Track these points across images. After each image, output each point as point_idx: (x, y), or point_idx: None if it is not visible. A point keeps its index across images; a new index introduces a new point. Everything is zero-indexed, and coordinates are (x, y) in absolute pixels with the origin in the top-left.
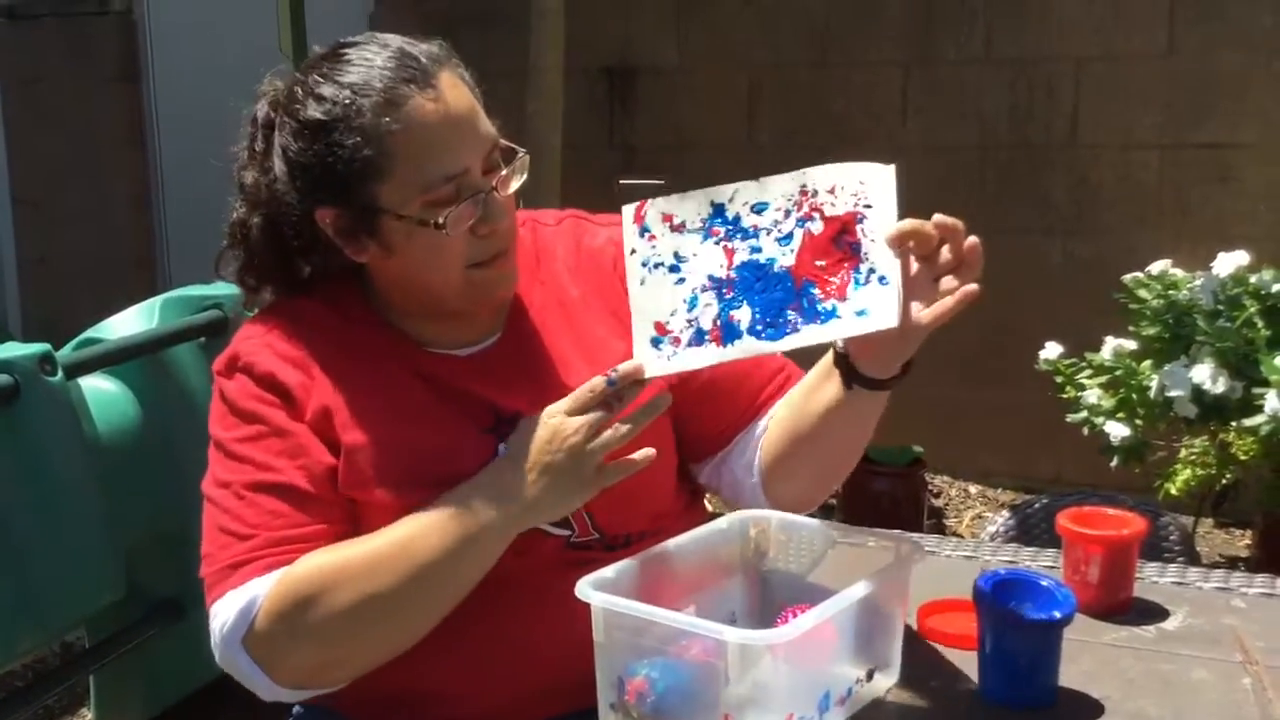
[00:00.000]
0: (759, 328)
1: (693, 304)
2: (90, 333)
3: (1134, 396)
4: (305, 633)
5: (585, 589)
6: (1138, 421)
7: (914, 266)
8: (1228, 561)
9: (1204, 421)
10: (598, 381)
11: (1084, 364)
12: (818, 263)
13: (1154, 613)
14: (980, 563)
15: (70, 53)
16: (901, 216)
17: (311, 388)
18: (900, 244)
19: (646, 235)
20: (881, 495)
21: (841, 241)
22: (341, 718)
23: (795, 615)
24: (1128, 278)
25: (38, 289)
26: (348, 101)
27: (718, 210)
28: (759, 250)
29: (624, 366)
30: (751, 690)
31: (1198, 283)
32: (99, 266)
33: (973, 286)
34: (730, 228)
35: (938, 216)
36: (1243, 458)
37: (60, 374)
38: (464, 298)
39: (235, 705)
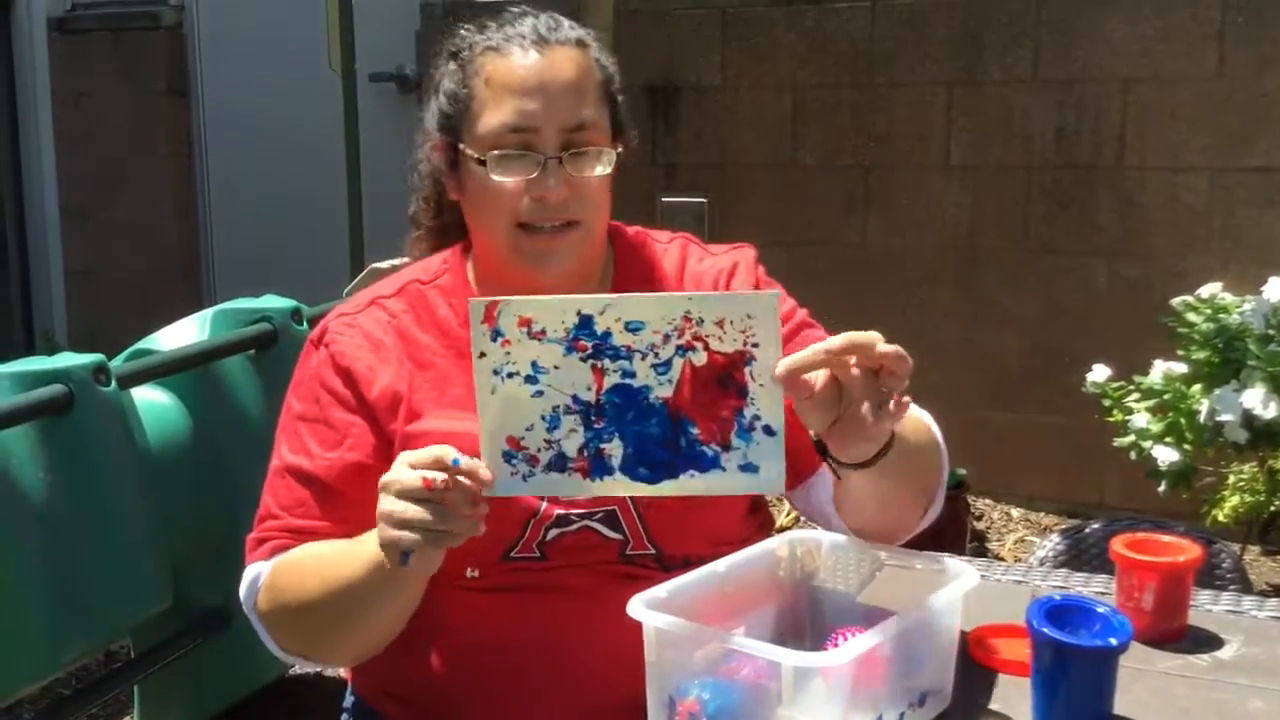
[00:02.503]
0: (633, 466)
1: (554, 424)
2: (142, 344)
3: (1183, 421)
4: (279, 616)
5: (638, 607)
6: (1186, 446)
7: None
8: (1275, 590)
9: (1254, 447)
10: (443, 457)
11: (1132, 387)
12: (702, 399)
13: (1209, 641)
14: (1031, 587)
15: (120, 66)
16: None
17: (384, 371)
18: (788, 385)
19: (500, 340)
20: None
21: (728, 381)
22: None
23: (846, 637)
24: (1176, 301)
25: (84, 300)
26: (477, 39)
27: (585, 321)
28: (632, 375)
29: (469, 463)
30: (803, 713)
31: (1248, 307)
32: (144, 278)
33: (904, 398)
34: (598, 343)
35: (829, 342)
36: None
37: (114, 384)
38: (509, 263)
39: (278, 716)
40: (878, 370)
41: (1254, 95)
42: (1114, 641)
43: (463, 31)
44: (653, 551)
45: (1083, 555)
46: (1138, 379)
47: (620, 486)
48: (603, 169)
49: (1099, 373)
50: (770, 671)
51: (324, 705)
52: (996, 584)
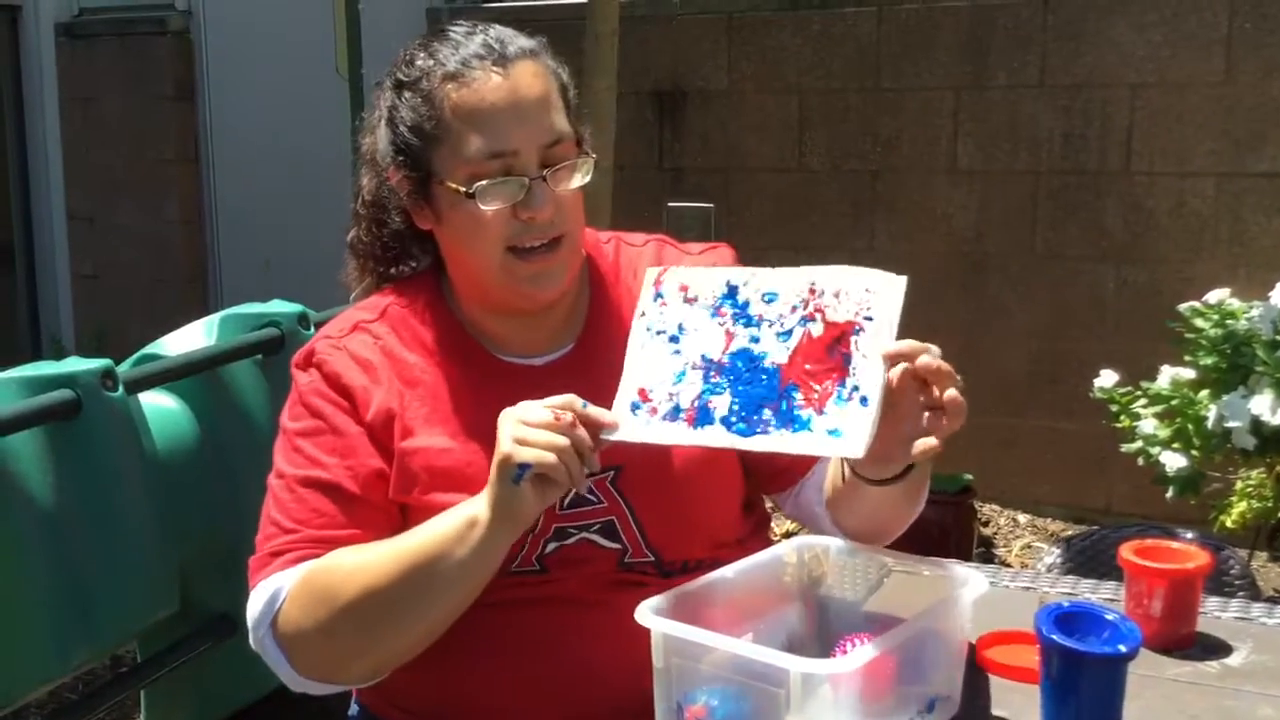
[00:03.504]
0: (732, 419)
1: (679, 378)
2: (149, 349)
3: (1190, 427)
4: (318, 625)
5: (645, 614)
6: (1194, 452)
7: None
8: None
9: (1262, 453)
10: (573, 401)
11: (1140, 393)
12: (807, 366)
13: (1218, 648)
14: (1039, 594)
15: (127, 71)
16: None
17: (377, 391)
18: (893, 362)
19: (659, 300)
20: (931, 523)
21: (835, 350)
22: None
23: (854, 644)
24: (1184, 307)
25: (90, 304)
26: (428, 67)
27: (731, 291)
28: (756, 340)
29: (596, 410)
30: (811, 719)
31: (1256, 312)
32: (151, 282)
33: (934, 441)
34: (737, 312)
35: (932, 358)
36: None
37: (121, 389)
38: (503, 287)
39: None
40: (925, 384)
41: (1261, 100)
42: (1123, 648)
43: (413, 59)
44: (651, 558)
45: (1090, 562)
46: (1145, 385)
47: (717, 436)
48: (582, 179)
49: (1107, 378)
50: (778, 678)
51: (329, 713)
52: (1005, 590)
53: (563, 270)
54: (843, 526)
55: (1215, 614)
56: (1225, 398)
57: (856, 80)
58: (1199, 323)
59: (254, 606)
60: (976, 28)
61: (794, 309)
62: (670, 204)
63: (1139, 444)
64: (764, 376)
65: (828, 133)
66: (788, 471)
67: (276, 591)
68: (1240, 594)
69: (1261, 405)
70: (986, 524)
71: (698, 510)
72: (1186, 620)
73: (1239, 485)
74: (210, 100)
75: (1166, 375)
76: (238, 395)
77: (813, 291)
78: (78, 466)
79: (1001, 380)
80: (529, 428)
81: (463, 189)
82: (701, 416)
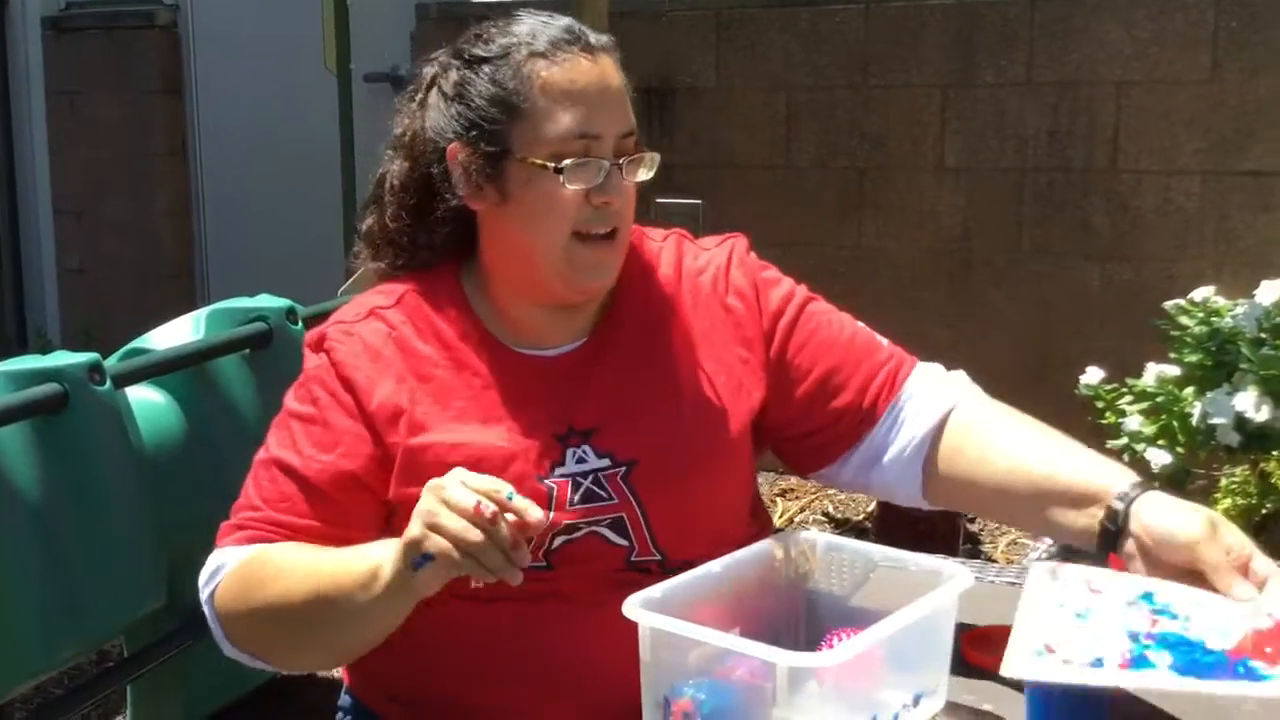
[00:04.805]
0: (1178, 671)
1: (1096, 641)
2: (136, 343)
3: (1175, 424)
4: (241, 612)
5: (633, 607)
6: (1179, 449)
7: None
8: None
9: (1246, 450)
10: (499, 490)
11: (1125, 390)
12: (1267, 649)
13: None
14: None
15: (114, 65)
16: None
17: (383, 384)
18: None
19: (1058, 582)
20: (918, 519)
21: None
22: None
23: (841, 638)
24: (1169, 304)
25: (77, 299)
26: (512, 43)
27: (1148, 595)
28: (1187, 629)
29: (523, 503)
30: (798, 713)
31: (1240, 310)
32: (138, 277)
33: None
34: (1157, 608)
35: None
36: None
37: (109, 383)
38: (558, 274)
39: (273, 717)
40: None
41: (1246, 99)
42: None
43: (490, 37)
44: (658, 557)
45: (1076, 557)
46: (1131, 382)
47: (1163, 680)
48: (647, 173)
49: (1092, 375)
50: (765, 672)
51: (317, 706)
52: (991, 586)
53: (616, 263)
54: (935, 496)
55: None
56: (1210, 395)
57: (844, 77)
58: (1184, 320)
59: (203, 571)
60: (964, 25)
61: (1230, 616)
62: (658, 200)
63: (1124, 440)
64: (1206, 654)
65: (815, 129)
66: (830, 447)
67: (221, 565)
68: None
69: (1245, 402)
70: (973, 520)
71: (707, 510)
72: None
73: (1223, 482)
74: (198, 95)
75: (1152, 372)
76: (225, 389)
77: (1254, 604)
78: (64, 461)
79: (988, 377)
80: (446, 512)
81: (550, 164)
82: (1138, 663)
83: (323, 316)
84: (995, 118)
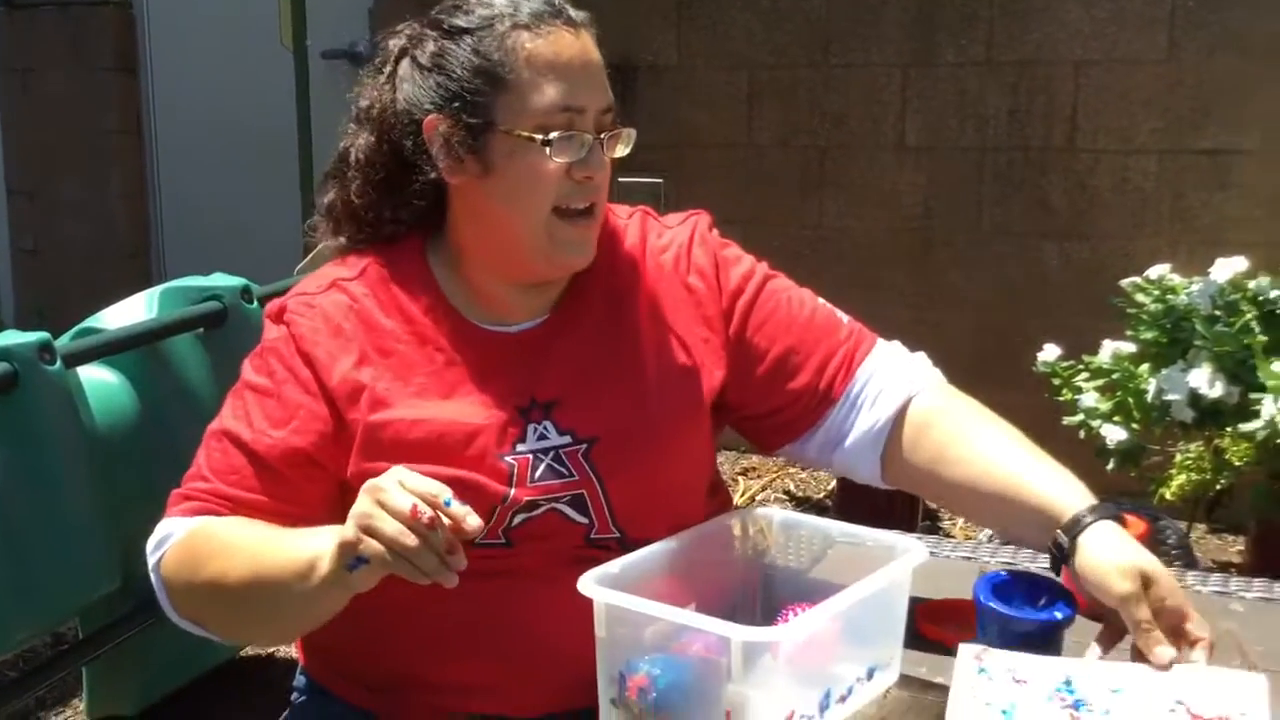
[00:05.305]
0: None
1: None
2: (88, 323)
3: (1131, 400)
4: (183, 583)
5: (588, 584)
6: (1134, 425)
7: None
8: (1220, 567)
9: (1200, 426)
10: (438, 495)
11: (1081, 367)
12: None
13: None
14: (979, 563)
15: (68, 43)
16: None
17: (344, 359)
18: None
19: (984, 675)
20: (877, 495)
21: None
22: (342, 702)
23: (796, 613)
24: (1125, 282)
25: (30, 279)
26: (494, 14)
27: (1068, 682)
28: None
29: (460, 509)
30: (753, 688)
31: (1195, 288)
32: (93, 257)
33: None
34: (1080, 698)
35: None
36: (1237, 463)
37: (59, 363)
38: (541, 250)
39: (228, 698)
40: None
41: (1203, 78)
42: (1059, 615)
43: (470, 8)
44: (617, 535)
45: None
46: (1087, 359)
47: None
48: (625, 148)
49: (1049, 352)
50: (720, 647)
51: (274, 686)
52: (946, 561)
53: (594, 239)
54: (896, 478)
55: None
56: (1164, 371)
57: (805, 56)
58: (1140, 298)
59: (151, 539)
60: (925, 4)
61: (1149, 701)
62: (620, 179)
63: (1080, 417)
64: None
65: (777, 108)
66: (791, 426)
67: (169, 535)
68: (1177, 563)
69: (1200, 379)
70: None
71: (667, 488)
72: None
73: (1178, 458)
74: (153, 72)
75: (1107, 349)
76: (179, 369)
77: (1171, 688)
78: (15, 441)
79: (947, 355)
80: (382, 514)
81: (536, 137)
82: None
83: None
84: (956, 97)
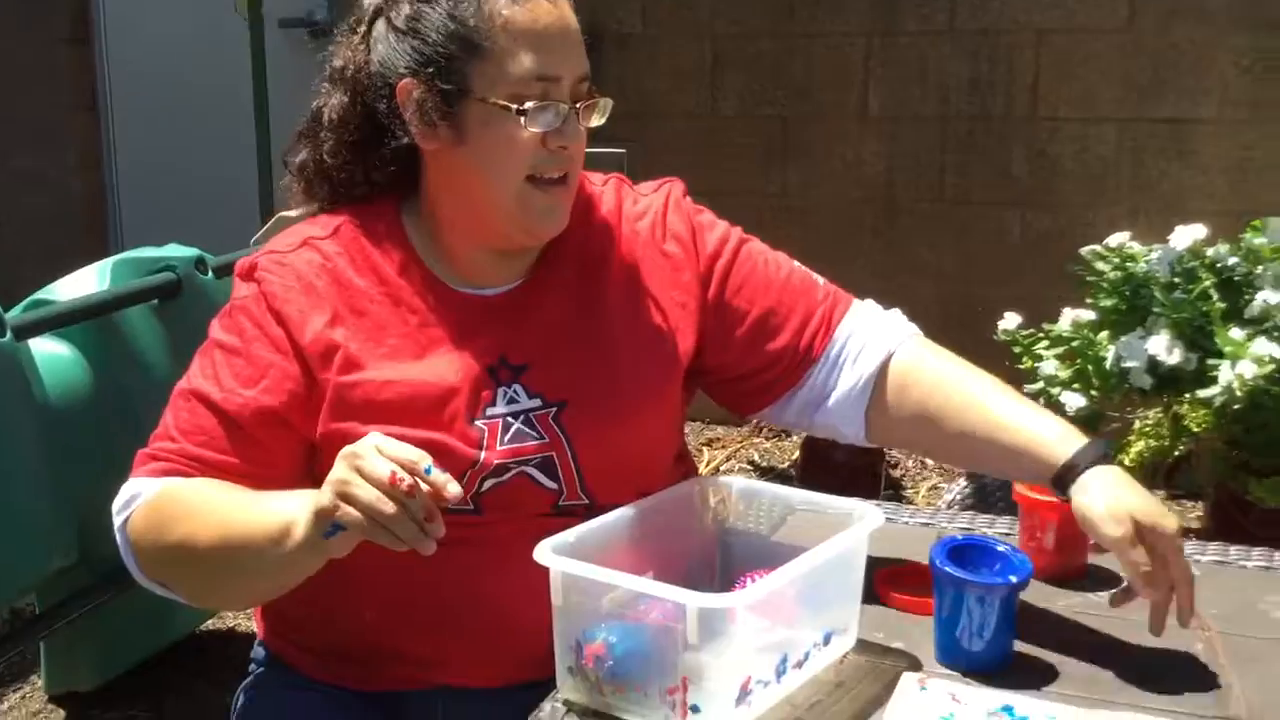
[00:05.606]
0: None
1: None
2: (40, 294)
3: (1090, 367)
4: (151, 544)
5: (544, 552)
6: (1093, 392)
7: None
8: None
9: (1158, 393)
10: (417, 462)
11: (1041, 335)
12: None
13: (1108, 579)
14: (937, 529)
15: (20, 13)
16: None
17: (316, 317)
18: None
19: (925, 693)
20: (840, 466)
21: None
22: (302, 675)
23: (754, 580)
24: (1085, 250)
25: None
26: None
27: (1007, 708)
28: None
29: (440, 477)
30: (709, 654)
31: (1155, 256)
32: (48, 230)
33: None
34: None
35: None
36: (1195, 429)
37: (9, 335)
38: (513, 219)
39: (188, 672)
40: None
41: (1162, 47)
42: (1013, 579)
43: None
44: (585, 502)
45: (989, 498)
46: (1047, 327)
47: None
48: (600, 118)
49: (1010, 320)
50: (677, 614)
51: (234, 660)
52: (905, 527)
53: (568, 207)
54: (910, 447)
55: None
56: (1123, 339)
57: (769, 25)
58: (1100, 266)
59: (117, 499)
60: None
61: None
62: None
63: (1040, 384)
64: None
65: (741, 78)
66: (772, 387)
67: (136, 495)
68: None
69: (1158, 346)
70: (895, 466)
71: (637, 454)
72: (1078, 552)
73: (1137, 425)
74: (108, 43)
75: (1067, 317)
76: (134, 341)
77: None
78: None
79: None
80: (360, 481)
81: (512, 106)
82: None
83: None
84: (918, 66)
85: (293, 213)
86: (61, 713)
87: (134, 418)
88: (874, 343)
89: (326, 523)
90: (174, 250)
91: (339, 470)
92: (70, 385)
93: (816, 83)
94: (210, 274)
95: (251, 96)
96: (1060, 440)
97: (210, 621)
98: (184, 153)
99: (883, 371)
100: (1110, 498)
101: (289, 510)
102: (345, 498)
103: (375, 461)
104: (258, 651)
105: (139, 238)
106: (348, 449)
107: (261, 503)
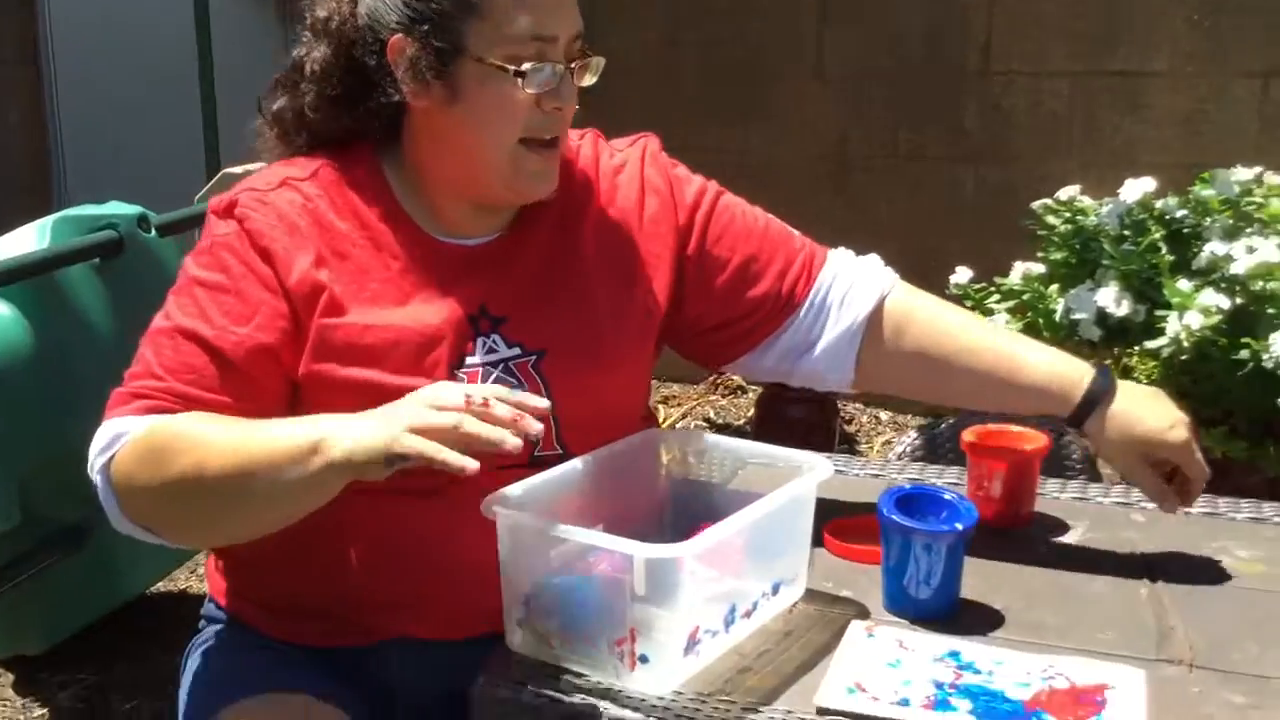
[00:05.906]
0: (978, 716)
1: (905, 684)
2: None
3: (1041, 320)
4: (145, 483)
5: (492, 506)
6: None
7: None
8: (1124, 481)
9: (1107, 344)
10: (501, 390)
11: (993, 289)
12: (1057, 704)
13: (1055, 527)
14: (888, 480)
15: None
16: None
17: (301, 257)
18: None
19: (872, 639)
20: (795, 421)
21: (1085, 698)
22: (258, 634)
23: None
24: (1037, 204)
25: None
26: None
27: (953, 653)
28: (990, 682)
29: (531, 398)
30: (658, 605)
31: (1105, 209)
32: None
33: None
34: (960, 665)
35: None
36: (1144, 380)
37: None
38: (504, 179)
39: (139, 634)
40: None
41: (1116, 1)
42: (959, 526)
43: None
44: (560, 453)
45: (939, 450)
46: (998, 280)
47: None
48: (593, 77)
49: (961, 275)
50: (625, 565)
51: (186, 620)
52: (856, 478)
53: (557, 169)
54: (901, 390)
55: (1054, 495)
56: (1072, 291)
57: None
58: (1051, 219)
59: (97, 440)
60: None
61: (1029, 672)
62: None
63: None
64: (1005, 704)
65: (697, 32)
66: (751, 334)
67: (120, 434)
68: (1081, 478)
69: (1107, 298)
70: (850, 422)
71: (613, 405)
72: (1025, 501)
73: None
74: (50, 2)
75: (1018, 270)
76: (75, 300)
77: (1051, 661)
78: None
79: None
80: (434, 412)
81: (509, 67)
82: (940, 705)
83: (178, 224)
84: (874, 22)
85: (237, 169)
86: (10, 676)
87: (76, 379)
88: (862, 286)
89: (393, 457)
90: (116, 208)
91: (408, 410)
92: (10, 345)
93: (771, 41)
94: (154, 232)
95: (194, 55)
96: (1070, 372)
97: (161, 584)
98: (127, 112)
99: (877, 313)
100: (1118, 434)
101: (310, 429)
102: (419, 430)
103: (449, 391)
104: (210, 609)
105: (82, 197)
106: (417, 393)
107: (275, 427)
